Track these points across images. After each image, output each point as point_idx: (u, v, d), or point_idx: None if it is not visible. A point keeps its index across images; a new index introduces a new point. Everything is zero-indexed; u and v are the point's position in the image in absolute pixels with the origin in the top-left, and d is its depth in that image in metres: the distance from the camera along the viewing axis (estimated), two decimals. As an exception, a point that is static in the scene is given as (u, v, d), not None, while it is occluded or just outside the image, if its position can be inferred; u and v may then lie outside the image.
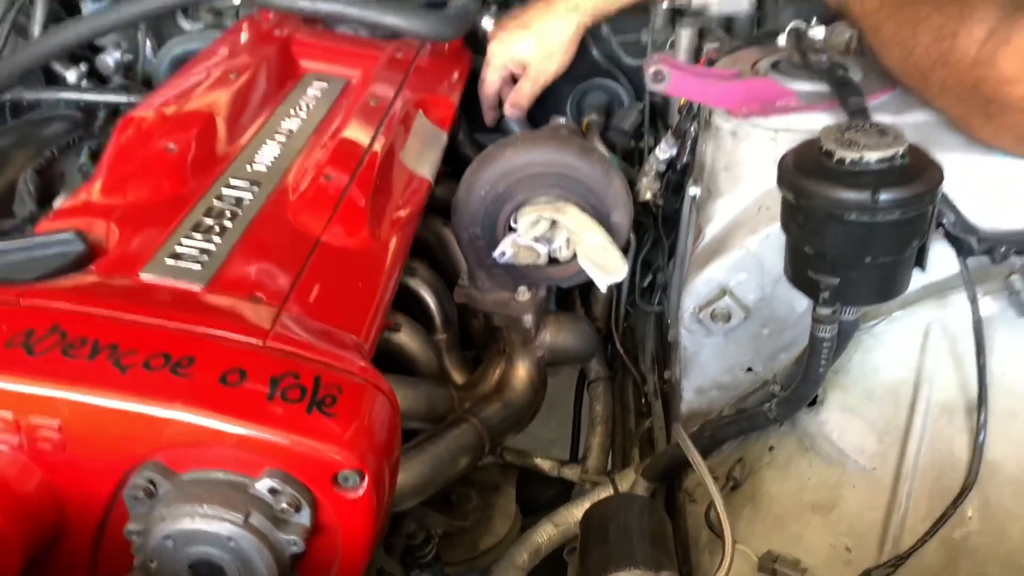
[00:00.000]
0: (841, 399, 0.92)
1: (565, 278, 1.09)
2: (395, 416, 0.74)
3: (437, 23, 1.24)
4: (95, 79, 1.40)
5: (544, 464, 1.24)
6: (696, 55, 1.26)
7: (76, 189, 1.04)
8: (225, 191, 0.91)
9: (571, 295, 1.37)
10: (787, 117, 0.97)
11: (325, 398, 0.68)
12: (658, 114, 1.38)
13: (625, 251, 1.06)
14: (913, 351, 0.90)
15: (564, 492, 1.26)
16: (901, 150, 0.68)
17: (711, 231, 1.00)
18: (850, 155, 0.68)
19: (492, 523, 1.21)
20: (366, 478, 0.67)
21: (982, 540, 0.85)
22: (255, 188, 0.92)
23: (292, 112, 1.10)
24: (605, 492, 1.10)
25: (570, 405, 1.48)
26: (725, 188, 1.00)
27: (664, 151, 1.19)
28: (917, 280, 0.76)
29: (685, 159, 1.16)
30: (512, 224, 1.05)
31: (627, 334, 1.37)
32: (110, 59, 1.41)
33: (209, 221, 0.86)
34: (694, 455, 0.92)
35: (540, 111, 1.38)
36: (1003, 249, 0.86)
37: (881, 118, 0.92)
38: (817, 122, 0.92)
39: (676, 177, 1.20)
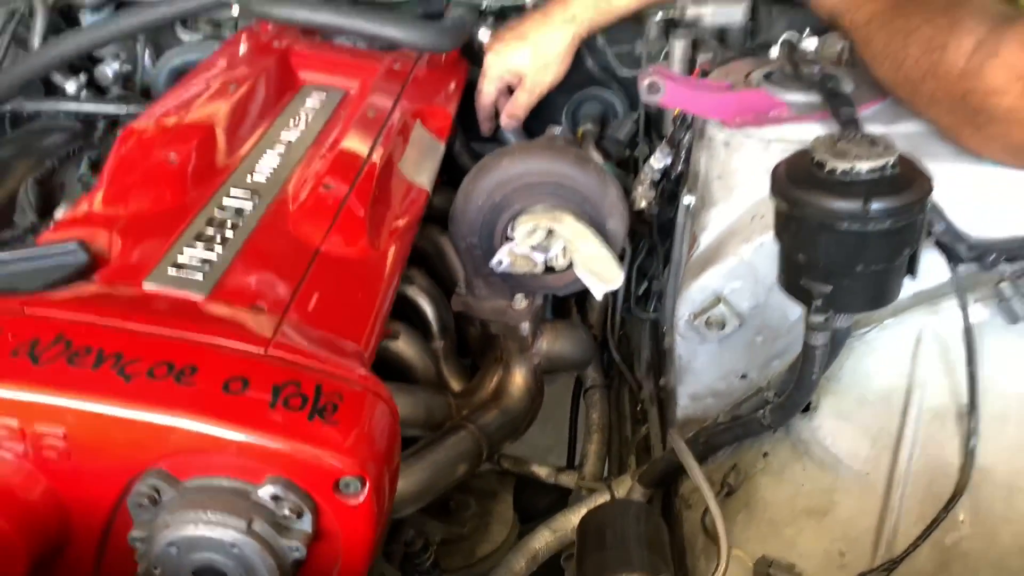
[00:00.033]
0: (834, 405, 0.93)
1: (561, 286, 1.10)
2: (395, 423, 0.75)
3: (434, 35, 1.25)
4: (94, 90, 1.41)
5: (541, 471, 1.25)
6: (690, 66, 1.28)
7: (77, 199, 1.05)
8: (226, 201, 0.92)
9: (567, 303, 1.38)
10: (780, 127, 0.98)
11: (326, 406, 0.69)
12: (652, 124, 1.39)
13: (621, 259, 1.07)
14: (905, 358, 0.91)
15: (561, 499, 1.26)
16: (892, 160, 0.69)
17: (705, 239, 1.02)
18: (842, 165, 0.69)
19: (490, 530, 1.22)
20: (367, 485, 0.68)
21: (974, 544, 0.86)
22: (255, 198, 0.93)
23: (291, 123, 1.11)
24: (602, 498, 1.11)
25: (566, 413, 1.49)
26: (719, 197, 1.01)
27: (659, 160, 1.20)
28: (908, 288, 0.77)
29: (679, 168, 1.18)
30: (509, 233, 1.06)
31: (623, 341, 1.38)
32: (109, 70, 1.42)
33: (210, 231, 0.87)
34: (690, 461, 0.93)
35: (536, 121, 1.39)
36: (992, 257, 0.88)
37: (872, 128, 0.94)
38: (809, 132, 0.93)
39: (671, 186, 1.21)
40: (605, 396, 1.33)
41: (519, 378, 1.14)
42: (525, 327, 1.10)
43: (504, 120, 1.37)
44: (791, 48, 1.08)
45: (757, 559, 0.90)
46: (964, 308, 0.87)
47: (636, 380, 1.33)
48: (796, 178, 0.72)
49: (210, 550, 0.66)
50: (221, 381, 0.68)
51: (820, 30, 1.10)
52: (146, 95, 1.45)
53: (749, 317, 0.97)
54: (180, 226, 0.86)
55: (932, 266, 0.87)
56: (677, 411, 1.07)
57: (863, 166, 0.69)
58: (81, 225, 0.88)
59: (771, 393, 0.92)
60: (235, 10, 1.30)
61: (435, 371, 1.14)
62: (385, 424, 0.74)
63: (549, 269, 1.08)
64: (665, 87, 1.02)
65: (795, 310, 0.93)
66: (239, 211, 0.91)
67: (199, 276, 0.80)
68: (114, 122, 1.34)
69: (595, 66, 1.44)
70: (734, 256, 0.95)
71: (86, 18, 1.45)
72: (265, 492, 0.67)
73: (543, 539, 1.09)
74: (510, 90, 1.35)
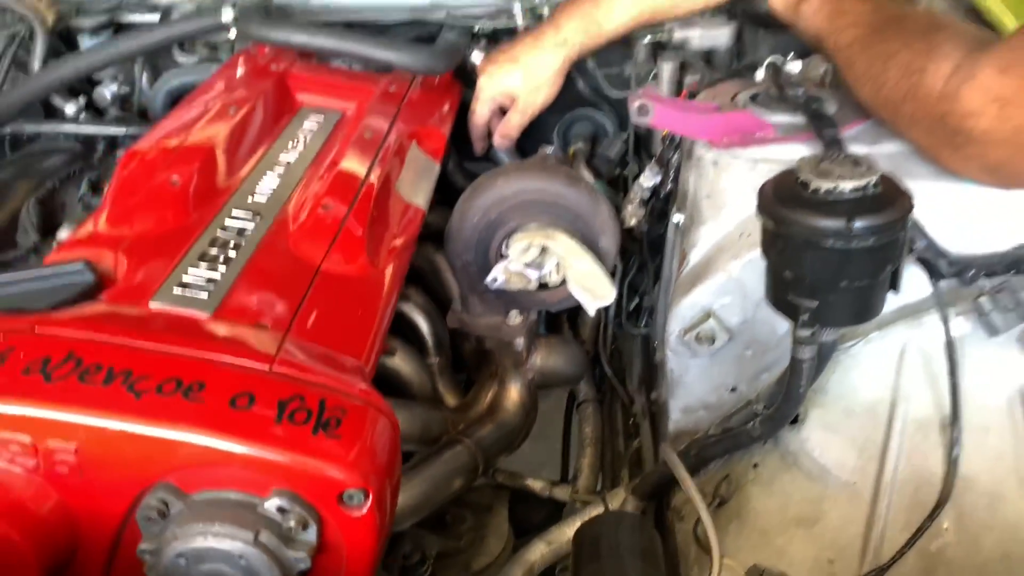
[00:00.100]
0: (821, 417, 0.95)
1: (555, 302, 1.13)
2: (396, 437, 0.77)
3: (429, 57, 1.28)
4: (92, 111, 1.43)
5: (536, 485, 1.26)
6: (678, 87, 1.31)
7: (78, 220, 1.06)
8: (228, 222, 0.94)
9: (559, 318, 1.40)
10: (765, 148, 1.01)
11: (330, 420, 0.71)
12: (642, 143, 1.42)
13: (612, 275, 1.09)
14: (889, 370, 0.93)
15: (555, 513, 1.28)
16: (874, 179, 0.72)
17: (695, 256, 1.04)
18: (825, 185, 0.72)
19: (486, 543, 1.23)
20: (370, 497, 0.70)
21: (958, 551, 0.88)
22: (256, 219, 0.95)
23: (290, 144, 1.13)
24: (596, 511, 1.12)
25: (558, 428, 1.50)
26: (708, 215, 1.03)
27: (648, 179, 1.22)
28: (892, 302, 0.79)
29: (668, 187, 1.20)
30: (504, 251, 1.09)
31: (615, 356, 1.40)
32: (107, 92, 1.44)
33: (214, 251, 0.89)
34: (682, 473, 0.95)
35: (528, 141, 1.42)
36: (972, 272, 0.90)
37: (855, 148, 0.97)
38: (794, 153, 0.97)
39: (660, 204, 1.23)
40: (598, 410, 1.35)
41: (514, 393, 1.16)
42: (520, 343, 1.12)
43: (497, 140, 1.39)
44: (776, 70, 1.11)
45: (749, 568, 0.92)
46: (946, 322, 0.89)
47: (628, 394, 1.35)
48: (782, 197, 0.75)
49: (218, 561, 0.67)
50: (228, 397, 0.70)
51: (804, 53, 1.13)
52: (143, 116, 1.47)
53: (738, 332, 0.99)
54: (184, 246, 0.88)
55: (914, 282, 0.90)
56: (669, 424, 1.09)
57: (846, 185, 0.71)
58: (86, 246, 0.89)
59: (760, 406, 0.94)
60: (232, 33, 1.32)
61: (431, 386, 1.16)
62: (387, 438, 0.76)
63: (543, 286, 1.10)
64: (654, 109, 1.05)
65: (783, 325, 0.95)
66: (241, 231, 0.93)
67: (204, 295, 0.82)
68: (113, 143, 1.36)
69: (585, 87, 1.47)
70: (723, 272, 0.98)
71: (85, 41, 1.47)
72: (271, 504, 0.69)
73: (539, 551, 1.11)
74: (503, 111, 1.37)
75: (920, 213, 0.77)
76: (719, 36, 1.32)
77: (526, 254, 1.06)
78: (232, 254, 0.89)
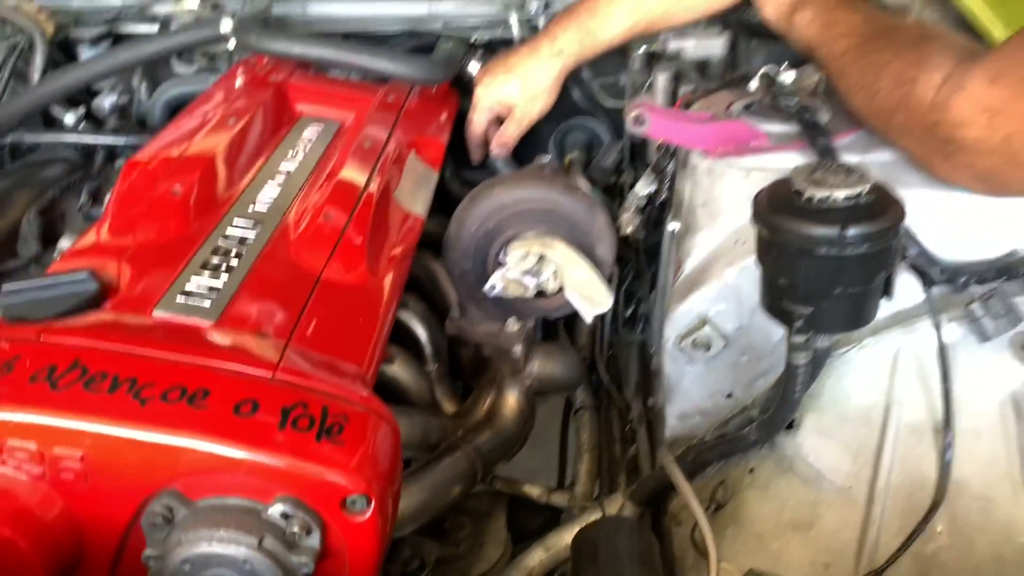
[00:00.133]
0: (816, 422, 0.96)
1: (552, 310, 1.14)
2: (397, 443, 0.78)
3: (426, 68, 1.29)
4: (91, 121, 1.44)
5: (534, 491, 1.27)
6: (672, 97, 1.32)
7: (79, 229, 1.07)
8: (229, 231, 0.95)
9: (555, 325, 1.41)
10: (760, 157, 1.02)
11: (333, 427, 0.72)
12: (637, 152, 1.43)
13: (609, 283, 1.10)
14: (883, 376, 0.94)
15: (553, 519, 1.28)
16: (866, 188, 0.73)
17: (690, 264, 1.05)
18: (819, 193, 0.73)
19: (484, 550, 1.24)
20: (372, 502, 0.71)
21: (951, 554, 0.89)
22: (258, 227, 0.96)
23: (290, 154, 1.14)
24: (594, 517, 1.13)
25: (554, 435, 1.51)
26: (703, 223, 1.05)
27: (644, 187, 1.23)
28: (885, 309, 0.80)
29: (664, 195, 1.21)
30: (502, 259, 1.10)
31: (611, 363, 1.41)
32: (106, 102, 1.45)
33: (216, 260, 0.90)
34: (680, 478, 0.96)
35: (524, 149, 1.43)
36: (963, 279, 0.91)
37: (848, 157, 0.98)
38: (788, 162, 0.97)
39: (656, 212, 1.24)
40: (594, 417, 1.35)
41: (512, 400, 1.16)
42: (518, 350, 1.13)
43: (494, 149, 1.40)
44: (769, 80, 1.12)
45: (746, 572, 0.92)
46: (938, 328, 0.91)
47: (625, 401, 1.36)
48: (776, 206, 0.76)
49: (222, 567, 0.68)
50: (232, 404, 0.71)
51: (797, 63, 1.14)
52: (142, 126, 1.48)
53: (734, 338, 1.00)
54: (186, 255, 0.89)
55: (907, 288, 0.91)
56: (666, 430, 1.10)
57: (840, 194, 0.72)
58: (89, 255, 0.90)
59: (756, 411, 0.95)
60: (231, 44, 1.33)
61: (429, 394, 1.16)
62: (388, 444, 0.77)
63: (540, 293, 1.11)
64: (650, 119, 1.07)
65: (778, 331, 0.95)
66: (243, 240, 0.94)
67: (207, 303, 0.83)
68: (112, 152, 1.37)
69: (581, 97, 1.49)
70: (718, 280, 0.99)
71: (84, 52, 1.48)
72: (275, 510, 0.69)
73: (537, 557, 1.11)
74: (499, 120, 1.39)
75: (912, 221, 0.78)
76: (713, 46, 1.33)
77: (524, 262, 1.07)
78: (234, 263, 0.90)
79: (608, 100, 1.48)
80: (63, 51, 1.46)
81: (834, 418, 0.96)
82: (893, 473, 0.92)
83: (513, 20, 1.46)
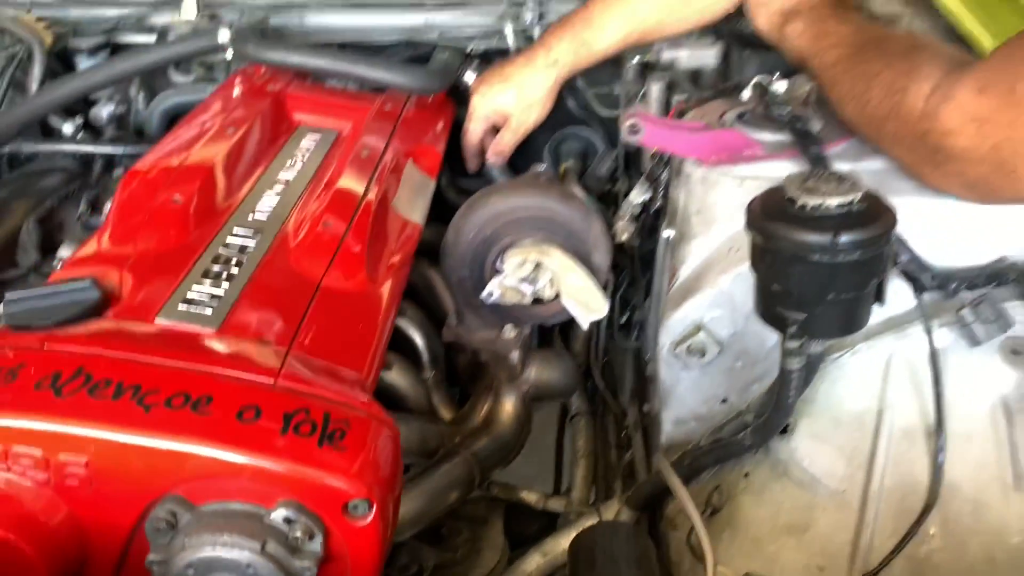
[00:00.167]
0: (810, 427, 0.97)
1: (549, 316, 1.15)
2: (398, 448, 0.79)
3: (423, 77, 1.31)
4: (89, 131, 1.44)
5: (530, 497, 1.27)
6: (666, 106, 1.34)
7: (78, 238, 1.08)
8: (230, 239, 0.96)
9: (551, 332, 1.42)
10: (753, 165, 1.03)
11: (335, 432, 0.73)
12: (631, 160, 1.45)
13: (604, 290, 1.12)
14: (876, 380, 0.95)
15: (549, 525, 1.29)
16: (858, 196, 0.74)
17: (685, 271, 1.06)
18: (812, 201, 0.74)
19: (481, 555, 1.24)
20: (374, 507, 0.71)
21: (944, 556, 0.90)
22: (258, 236, 0.97)
23: (288, 163, 1.15)
24: (590, 522, 1.14)
25: (549, 442, 1.51)
26: (697, 231, 1.06)
27: (638, 195, 1.24)
28: (877, 315, 0.81)
29: (658, 203, 1.23)
30: (499, 266, 1.11)
31: (607, 369, 1.42)
32: (104, 111, 1.46)
33: (217, 268, 0.91)
34: (676, 483, 0.97)
35: (520, 158, 1.44)
36: (954, 285, 0.92)
37: (839, 165, 0.99)
38: (781, 170, 0.98)
39: (650, 220, 1.25)
40: (590, 423, 1.36)
41: (509, 406, 1.17)
42: (515, 356, 1.14)
43: (490, 158, 1.42)
44: (762, 90, 1.13)
45: (741, 575, 0.94)
46: (929, 333, 0.91)
47: (620, 407, 1.37)
48: (770, 213, 0.77)
49: (226, 571, 0.69)
50: (235, 410, 0.72)
51: (789, 72, 1.16)
52: (139, 136, 1.49)
53: (728, 344, 1.01)
54: (187, 263, 0.90)
55: (899, 294, 0.91)
56: (662, 436, 1.11)
57: (832, 202, 0.74)
58: (90, 264, 0.91)
59: (751, 416, 0.96)
60: (229, 54, 1.34)
61: (426, 400, 1.17)
62: (389, 449, 0.77)
63: (537, 300, 1.12)
64: (645, 128, 1.08)
65: (772, 337, 0.95)
66: (243, 248, 0.95)
67: (208, 311, 0.84)
68: (110, 162, 1.38)
69: (576, 106, 1.50)
70: (713, 286, 1.00)
71: (82, 62, 1.49)
72: (278, 515, 0.70)
73: (534, 562, 1.12)
74: (495, 129, 1.40)
75: (903, 228, 0.80)
76: (706, 56, 1.35)
77: (521, 269, 1.08)
78: (235, 271, 0.91)
79: (602, 109, 1.50)
80: (61, 61, 1.47)
81: (828, 423, 0.97)
82: (886, 476, 0.93)
83: (508, 30, 1.47)
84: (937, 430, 0.91)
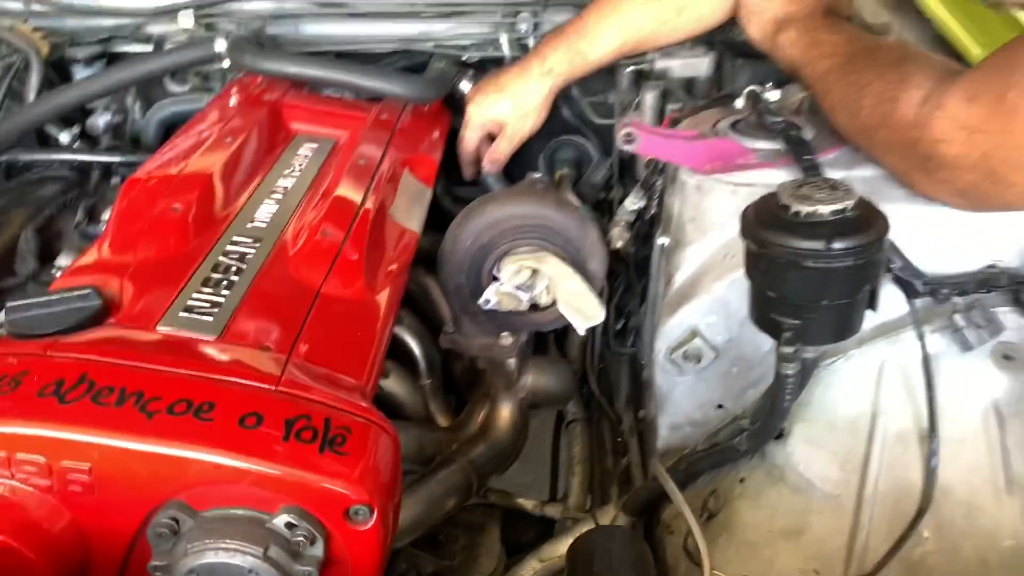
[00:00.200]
0: (805, 432, 0.98)
1: (545, 323, 1.15)
2: (398, 454, 0.79)
3: (419, 86, 1.32)
4: (86, 140, 1.45)
5: (527, 504, 1.28)
6: (660, 115, 1.35)
7: (77, 247, 1.09)
8: (229, 247, 0.96)
9: (546, 339, 1.43)
10: (747, 173, 1.04)
11: (336, 438, 0.74)
12: (626, 168, 1.46)
13: (600, 296, 1.12)
14: (869, 385, 0.96)
15: (546, 532, 1.30)
16: (851, 203, 0.75)
17: (680, 277, 1.07)
18: (805, 208, 0.75)
19: (478, 562, 1.25)
20: (375, 512, 0.72)
21: (938, 559, 0.91)
22: (257, 244, 0.98)
23: (286, 172, 1.16)
24: (587, 528, 1.14)
25: (545, 449, 1.52)
26: (692, 238, 1.07)
27: (633, 203, 1.26)
28: (870, 320, 0.82)
29: (653, 210, 1.24)
30: (495, 273, 1.11)
31: (602, 376, 1.43)
32: (100, 120, 1.46)
33: (217, 276, 0.91)
34: (673, 488, 0.98)
35: (515, 166, 1.45)
36: (945, 291, 0.94)
37: (832, 173, 1.00)
38: (774, 178, 1.00)
39: (645, 227, 1.26)
40: (586, 429, 1.37)
41: (505, 413, 1.18)
42: (511, 363, 1.15)
43: (486, 166, 1.43)
44: (755, 99, 1.15)
45: (738, 579, 0.95)
46: (921, 339, 0.93)
47: (616, 413, 1.38)
48: (764, 220, 0.78)
49: (229, 576, 0.70)
50: (237, 417, 0.73)
51: (781, 82, 1.17)
52: (136, 145, 1.49)
53: (724, 350, 1.02)
54: (187, 271, 0.91)
55: (891, 300, 0.93)
56: (658, 441, 1.12)
57: (825, 209, 0.75)
58: (91, 272, 0.92)
59: (746, 421, 0.97)
60: (226, 63, 1.35)
61: (424, 407, 1.18)
62: (389, 455, 0.78)
63: (534, 307, 1.13)
64: (640, 137, 1.09)
65: (767, 342, 0.96)
66: (242, 256, 0.96)
67: (209, 319, 0.85)
68: (107, 171, 1.38)
69: (570, 115, 1.52)
70: (708, 293, 1.01)
71: (78, 72, 1.49)
72: (280, 520, 0.71)
73: (531, 568, 1.12)
74: (491, 138, 1.41)
75: (896, 235, 0.81)
76: (699, 65, 1.36)
77: (517, 276, 1.09)
78: (235, 279, 0.91)
79: (597, 118, 1.51)
80: (58, 71, 1.47)
81: (822, 427, 0.98)
82: (880, 480, 0.94)
83: (504, 40, 1.48)
84: (930, 434, 0.92)
